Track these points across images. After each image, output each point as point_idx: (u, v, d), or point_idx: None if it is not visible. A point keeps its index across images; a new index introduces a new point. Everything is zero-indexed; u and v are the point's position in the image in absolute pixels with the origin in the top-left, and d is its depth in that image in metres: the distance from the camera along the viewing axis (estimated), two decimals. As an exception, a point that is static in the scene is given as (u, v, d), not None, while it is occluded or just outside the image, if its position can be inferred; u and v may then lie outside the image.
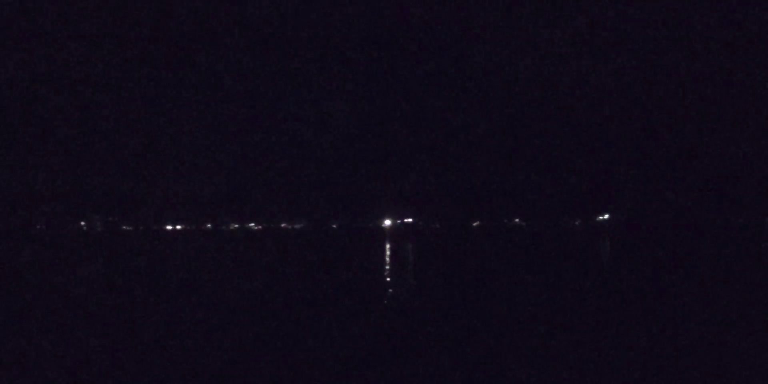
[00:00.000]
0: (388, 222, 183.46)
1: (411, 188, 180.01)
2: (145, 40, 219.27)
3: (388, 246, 52.23)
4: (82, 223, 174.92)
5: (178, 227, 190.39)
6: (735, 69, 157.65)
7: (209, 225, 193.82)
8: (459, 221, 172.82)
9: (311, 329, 11.47)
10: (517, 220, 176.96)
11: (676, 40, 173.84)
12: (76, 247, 55.68)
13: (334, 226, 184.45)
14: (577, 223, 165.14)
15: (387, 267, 27.15)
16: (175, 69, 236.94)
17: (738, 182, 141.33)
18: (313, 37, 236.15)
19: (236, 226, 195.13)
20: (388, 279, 21.65)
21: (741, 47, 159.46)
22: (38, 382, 8.20)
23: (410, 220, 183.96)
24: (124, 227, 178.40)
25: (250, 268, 27.82)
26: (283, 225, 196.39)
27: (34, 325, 12.33)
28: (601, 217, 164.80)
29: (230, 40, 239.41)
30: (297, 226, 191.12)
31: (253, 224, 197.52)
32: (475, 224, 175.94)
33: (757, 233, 74.23)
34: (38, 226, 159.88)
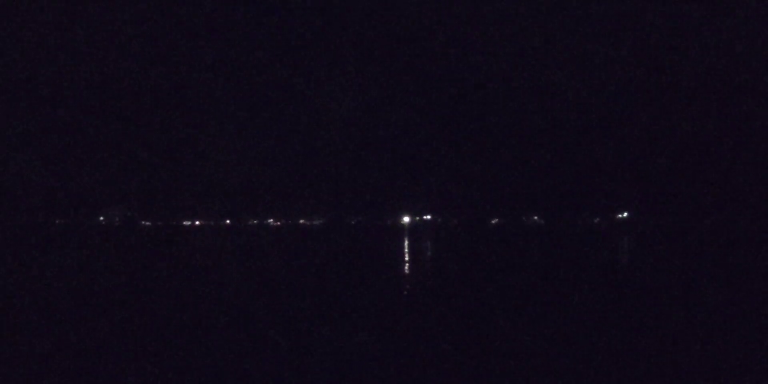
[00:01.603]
0: (406, 219, 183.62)
1: (430, 185, 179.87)
2: (165, 35, 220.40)
3: (406, 242, 52.17)
4: (101, 217, 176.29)
5: (197, 223, 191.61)
6: (756, 66, 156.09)
7: (228, 221, 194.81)
8: (477, 218, 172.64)
9: (327, 325, 11.34)
10: (535, 217, 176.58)
11: (697, 34, 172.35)
12: (95, 242, 56.09)
13: (353, 223, 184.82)
14: (596, 220, 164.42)
15: (406, 263, 27.05)
16: (193, 66, 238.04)
17: (760, 181, 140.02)
18: (331, 33, 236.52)
19: (255, 221, 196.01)
20: (407, 274, 21.56)
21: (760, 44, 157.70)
22: (47, 379, 8.05)
23: (429, 216, 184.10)
24: (143, 222, 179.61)
25: (269, 263, 27.78)
26: (301, 221, 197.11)
27: (48, 319, 12.27)
28: (620, 215, 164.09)
29: (249, 37, 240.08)
30: (315, 223, 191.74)
31: (271, 220, 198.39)
32: (493, 221, 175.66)
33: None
34: (57, 221, 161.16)
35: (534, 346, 9.72)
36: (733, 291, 16.32)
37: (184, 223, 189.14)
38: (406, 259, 30.42)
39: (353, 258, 31.74)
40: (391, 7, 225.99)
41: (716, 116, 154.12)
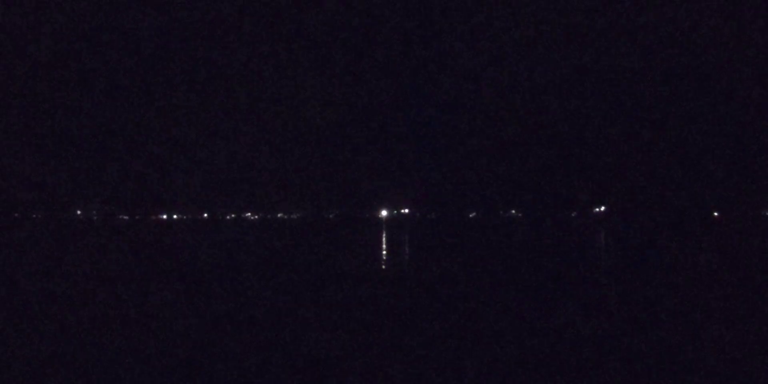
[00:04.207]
0: (384, 212, 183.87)
1: (408, 179, 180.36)
2: (142, 29, 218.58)
3: (384, 236, 52.27)
4: (78, 212, 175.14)
5: (175, 217, 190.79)
6: (732, 63, 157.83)
7: (205, 214, 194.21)
8: (455, 212, 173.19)
9: (307, 319, 11.46)
10: (513, 211, 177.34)
11: (675, 34, 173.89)
12: (72, 236, 55.71)
13: (331, 216, 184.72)
14: (573, 215, 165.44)
15: (383, 257, 27.17)
16: (170, 62, 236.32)
17: (734, 175, 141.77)
18: (310, 27, 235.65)
19: (233, 215, 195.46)
20: (384, 268, 21.70)
21: (736, 43, 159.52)
22: (33, 379, 8.01)
23: (407, 210, 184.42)
24: (121, 216, 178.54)
25: (247, 256, 27.79)
26: (279, 215, 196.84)
27: (31, 318, 12.28)
28: (597, 209, 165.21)
29: (226, 29, 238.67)
30: (293, 216, 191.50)
31: (249, 214, 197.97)
32: (471, 215, 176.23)
33: (753, 226, 74.39)
34: (34, 215, 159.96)
35: (519, 340, 9.81)
36: (709, 285, 16.58)
37: (162, 216, 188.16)
38: (384, 252, 30.56)
39: (332, 252, 31.82)
40: (370, 6, 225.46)
41: (691, 115, 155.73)
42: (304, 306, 12.89)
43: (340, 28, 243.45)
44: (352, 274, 19.58)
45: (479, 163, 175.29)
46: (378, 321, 11.23)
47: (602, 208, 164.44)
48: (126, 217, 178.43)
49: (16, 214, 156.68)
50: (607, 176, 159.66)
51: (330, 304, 13.07)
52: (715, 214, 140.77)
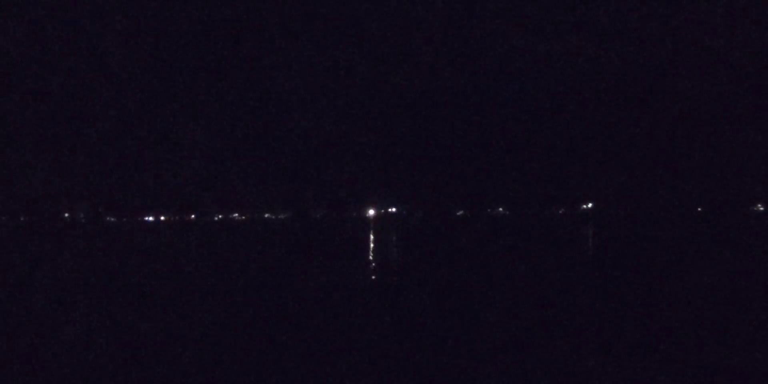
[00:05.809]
0: (371, 211, 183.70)
1: (395, 178, 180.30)
2: (130, 28, 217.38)
3: (372, 235, 52.25)
4: (66, 214, 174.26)
5: (162, 218, 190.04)
6: (720, 60, 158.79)
7: (192, 216, 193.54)
8: (443, 210, 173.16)
9: (296, 320, 11.54)
10: (500, 209, 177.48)
11: (664, 33, 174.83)
12: (61, 239, 55.44)
13: (318, 216, 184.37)
14: (560, 211, 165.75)
15: (371, 256, 27.23)
16: (157, 63, 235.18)
17: (722, 171, 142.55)
18: (296, 25, 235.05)
19: (220, 216, 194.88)
20: (373, 267, 21.77)
21: (723, 41, 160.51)
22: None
23: (394, 209, 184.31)
24: (108, 218, 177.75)
25: (235, 258, 27.81)
26: (266, 215, 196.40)
27: (18, 322, 12.33)
28: (584, 206, 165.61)
29: (214, 34, 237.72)
30: (281, 216, 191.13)
31: (236, 214, 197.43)
32: (458, 213, 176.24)
33: (740, 222, 74.76)
34: (21, 218, 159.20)
35: (512, 338, 9.91)
36: (698, 280, 16.70)
37: (149, 218, 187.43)
38: (371, 251, 30.62)
39: (320, 251, 31.85)
40: (359, 6, 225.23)
41: (678, 112, 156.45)
42: (293, 309, 12.99)
43: (326, 26, 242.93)
44: (341, 277, 19.68)
45: (466, 160, 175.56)
46: (369, 324, 11.34)
47: (589, 205, 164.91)
48: (113, 219, 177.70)
49: (3, 217, 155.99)
50: (594, 173, 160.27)
51: (320, 309, 13.17)
52: (700, 209, 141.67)
